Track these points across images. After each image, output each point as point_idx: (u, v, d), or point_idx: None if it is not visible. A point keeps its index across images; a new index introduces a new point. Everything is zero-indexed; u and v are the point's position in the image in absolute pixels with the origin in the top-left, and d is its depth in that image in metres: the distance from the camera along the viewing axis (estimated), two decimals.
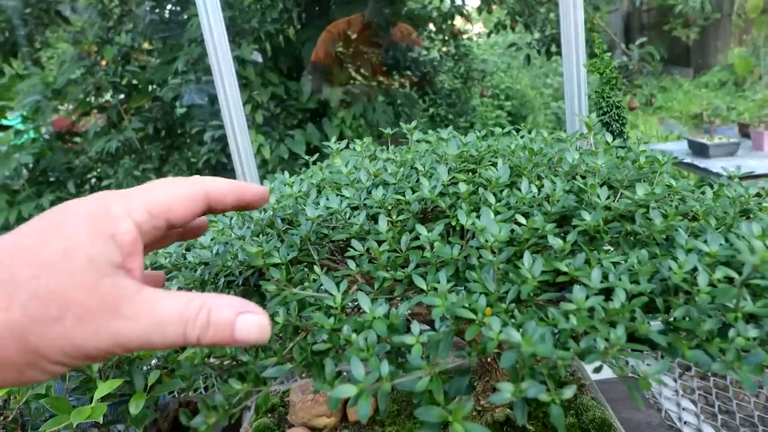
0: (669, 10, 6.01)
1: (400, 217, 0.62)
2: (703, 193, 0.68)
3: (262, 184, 0.73)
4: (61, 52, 5.02)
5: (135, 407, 0.95)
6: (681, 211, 0.58)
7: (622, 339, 0.41)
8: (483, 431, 0.42)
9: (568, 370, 1.04)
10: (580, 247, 0.55)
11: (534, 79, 8.86)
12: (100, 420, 0.76)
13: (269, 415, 1.06)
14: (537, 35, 4.16)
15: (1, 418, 0.89)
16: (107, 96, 4.36)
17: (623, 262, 0.54)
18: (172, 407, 1.26)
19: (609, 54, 1.30)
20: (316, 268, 0.60)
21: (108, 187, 4.35)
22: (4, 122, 4.53)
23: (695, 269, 0.49)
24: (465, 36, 5.45)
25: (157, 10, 4.34)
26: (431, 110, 5.68)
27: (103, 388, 0.85)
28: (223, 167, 4.38)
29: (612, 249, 0.60)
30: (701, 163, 3.79)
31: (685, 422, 1.18)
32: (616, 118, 1.33)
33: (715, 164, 3.69)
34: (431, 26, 5.06)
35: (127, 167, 4.18)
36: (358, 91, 4.53)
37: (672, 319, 0.48)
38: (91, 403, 0.86)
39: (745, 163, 3.64)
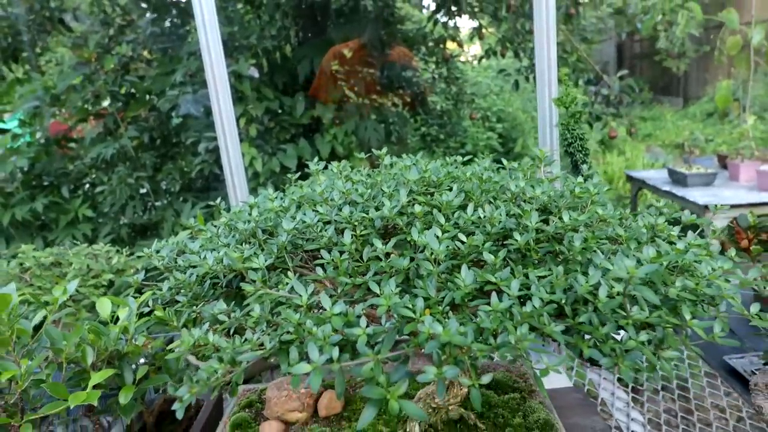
0: (657, 41, 6.22)
1: (364, 232, 0.72)
2: (625, 219, 0.78)
3: (253, 196, 0.83)
4: (59, 57, 5.12)
5: (124, 398, 1.04)
6: (600, 236, 0.68)
7: (525, 336, 0.51)
8: (414, 408, 0.52)
9: (521, 377, 1.14)
10: (512, 261, 0.65)
11: (525, 102, 9.07)
12: (95, 402, 0.84)
13: (247, 410, 1.14)
14: (525, 62, 4.32)
15: (2, 402, 0.98)
16: (105, 103, 4.45)
17: (548, 275, 0.64)
18: (158, 402, 1.34)
19: (576, 89, 1.41)
20: (290, 273, 0.70)
21: (102, 193, 4.42)
22: (1, 126, 4.60)
23: (599, 283, 0.59)
24: (457, 59, 5.62)
25: (158, 23, 4.46)
26: (422, 129, 5.82)
27: (97, 377, 0.93)
28: (215, 178, 4.47)
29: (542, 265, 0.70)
30: (679, 191, 3.93)
31: (632, 431, 1.27)
32: (580, 149, 1.45)
33: (692, 193, 3.83)
34: (424, 49, 5.22)
35: (121, 174, 4.26)
36: (351, 108, 4.65)
37: (578, 323, 0.58)
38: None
39: (720, 193, 3.78)
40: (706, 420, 1.29)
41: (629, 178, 4.72)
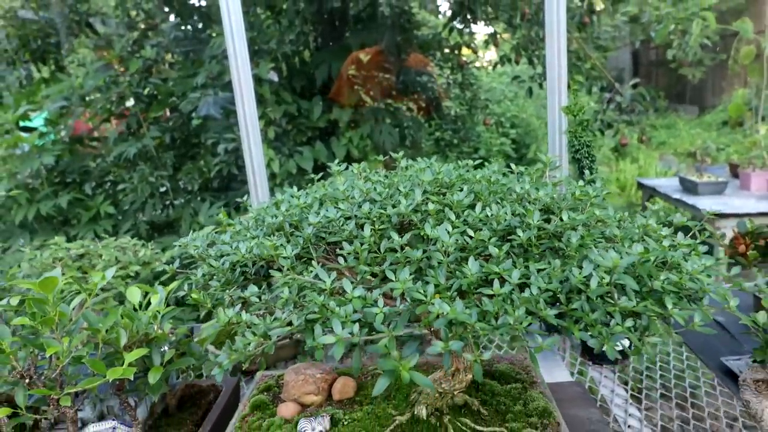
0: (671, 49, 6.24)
1: (382, 227, 0.80)
2: (623, 221, 0.85)
3: (271, 195, 0.92)
4: (81, 58, 5.27)
5: (153, 378, 1.13)
6: (595, 234, 0.75)
7: (522, 317, 0.59)
8: (422, 378, 0.59)
9: (524, 370, 1.21)
10: (515, 255, 0.73)
11: (539, 108, 9.11)
12: (131, 377, 0.93)
13: (265, 393, 1.23)
14: (539, 69, 4.38)
15: (43, 377, 1.07)
16: (128, 104, 4.59)
17: (547, 268, 0.71)
18: (179, 387, 1.43)
19: (588, 96, 1.49)
20: (314, 263, 0.78)
21: (123, 191, 4.56)
22: (28, 124, 4.76)
23: (591, 275, 0.66)
24: (472, 65, 5.69)
25: (182, 27, 4.59)
26: (437, 134, 5.90)
27: (131, 356, 1.02)
28: (233, 178, 4.59)
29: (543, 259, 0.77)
30: (690, 199, 3.96)
31: (629, 426, 1.33)
32: (586, 155, 1.52)
33: (702, 201, 3.86)
34: (439, 54, 5.30)
35: (143, 173, 4.39)
36: (367, 112, 4.75)
37: (571, 309, 0.66)
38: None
39: (730, 202, 3.81)
40: (700, 417, 1.34)
41: (640, 186, 4.75)
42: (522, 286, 0.67)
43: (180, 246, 0.94)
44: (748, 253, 1.36)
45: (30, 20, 4.45)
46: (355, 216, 0.83)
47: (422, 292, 0.64)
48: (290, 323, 0.67)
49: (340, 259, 0.77)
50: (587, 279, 0.66)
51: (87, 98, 4.51)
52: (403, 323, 0.62)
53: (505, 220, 0.79)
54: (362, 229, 0.80)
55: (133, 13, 4.96)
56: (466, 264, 0.70)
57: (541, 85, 4.49)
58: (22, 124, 4.60)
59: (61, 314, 1.11)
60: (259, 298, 0.75)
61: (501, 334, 0.60)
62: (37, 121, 4.91)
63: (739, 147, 4.91)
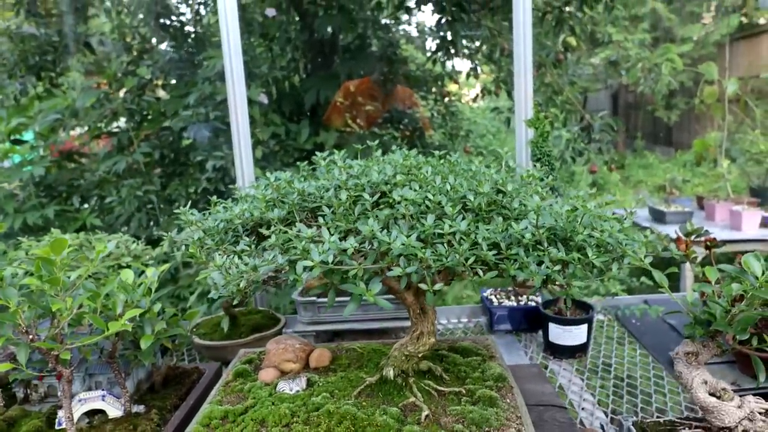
0: (649, 92, 6.58)
1: (356, 193, 0.93)
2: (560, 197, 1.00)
3: None
4: (71, 81, 5.41)
5: (144, 344, 1.23)
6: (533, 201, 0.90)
7: (466, 253, 0.72)
8: (384, 302, 0.72)
9: (484, 347, 1.33)
10: (464, 215, 0.87)
11: None
12: (130, 328, 1.04)
13: (248, 365, 1.33)
14: None
15: (44, 338, 1.16)
16: (120, 122, 4.72)
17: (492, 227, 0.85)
18: (164, 366, 1.52)
19: (543, 114, 1.66)
20: (298, 223, 0.91)
21: (111, 204, 4.64)
22: (19, 138, 4.85)
23: (527, 228, 0.80)
24: (455, 98, 5.95)
25: (176, 51, 4.77)
26: None
27: (128, 314, 1.12)
28: (220, 195, 4.70)
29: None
30: (658, 227, 4.16)
31: (582, 408, 1.46)
32: (547, 163, 1.68)
33: (669, 229, 4.07)
34: (425, 87, 5.54)
35: (130, 188, 4.48)
36: (353, 138, 4.93)
37: (510, 254, 0.79)
38: None
39: None
40: (648, 401, 1.48)
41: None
42: (472, 243, 0.80)
43: (181, 213, 1.06)
44: (687, 251, 1.52)
45: (30, 35, 4.60)
46: (335, 186, 0.97)
47: (387, 238, 0.77)
48: (276, 261, 0.80)
49: (320, 219, 0.90)
50: (523, 230, 0.80)
51: (80, 114, 4.63)
52: (372, 259, 0.75)
53: (460, 190, 0.93)
54: (340, 198, 0.93)
55: (129, 37, 5.15)
56: (424, 219, 0.83)
57: None
58: (13, 137, 4.68)
59: (63, 283, 1.21)
60: (249, 247, 0.88)
61: (451, 266, 0.73)
62: (28, 135, 5.00)
63: (704, 180, 5.18)
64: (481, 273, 0.73)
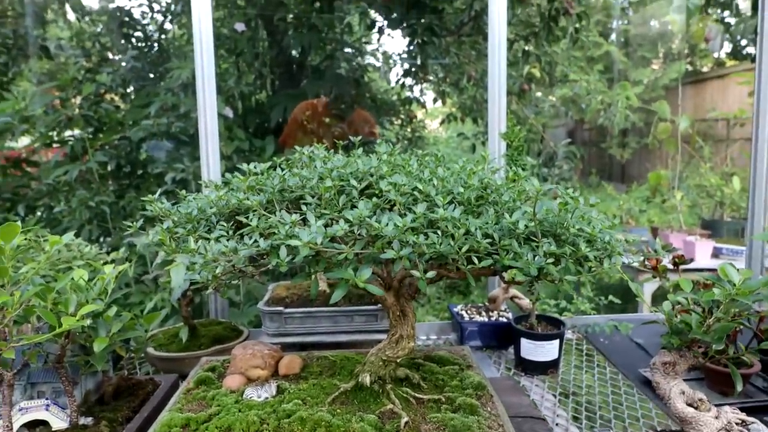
0: (604, 129, 6.85)
1: (342, 182, 0.89)
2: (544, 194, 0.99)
3: None
4: (22, 90, 5.17)
5: (98, 347, 1.13)
6: (522, 196, 0.88)
7: (461, 239, 0.69)
8: (375, 287, 0.67)
9: (461, 357, 1.29)
10: (455, 206, 0.84)
11: (486, 172, 9.61)
12: (86, 323, 0.94)
13: (211, 372, 1.24)
14: (482, 128, 4.71)
15: None
16: (74, 131, 4.51)
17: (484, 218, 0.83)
18: (116, 377, 1.41)
19: (519, 128, 1.67)
20: (278, 212, 0.86)
21: (59, 214, 4.40)
22: None
23: (519, 219, 0.78)
24: (420, 123, 6.01)
25: (138, 61, 4.65)
26: None
27: (85, 309, 1.02)
28: None
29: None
30: None
31: (557, 424, 1.43)
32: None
33: (624, 259, 4.18)
34: (392, 111, 5.58)
35: (81, 198, 4.27)
36: None
37: (503, 245, 0.76)
38: None
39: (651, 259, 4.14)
40: (620, 417, 1.46)
41: None
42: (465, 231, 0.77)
43: (147, 201, 0.99)
44: (658, 267, 1.54)
45: None
46: (319, 176, 0.92)
47: (377, 224, 0.73)
48: (258, 245, 0.74)
49: (304, 207, 0.85)
50: (516, 221, 0.77)
51: (31, 119, 4.41)
52: (361, 244, 0.71)
53: (448, 185, 0.90)
54: (325, 185, 0.88)
55: (89, 44, 4.99)
56: (415, 207, 0.80)
57: (484, 143, 4.81)
58: None
59: (11, 277, 1.10)
60: (227, 233, 0.82)
61: (444, 253, 0.70)
62: None
63: (658, 212, 5.39)
64: (476, 260, 0.70)
